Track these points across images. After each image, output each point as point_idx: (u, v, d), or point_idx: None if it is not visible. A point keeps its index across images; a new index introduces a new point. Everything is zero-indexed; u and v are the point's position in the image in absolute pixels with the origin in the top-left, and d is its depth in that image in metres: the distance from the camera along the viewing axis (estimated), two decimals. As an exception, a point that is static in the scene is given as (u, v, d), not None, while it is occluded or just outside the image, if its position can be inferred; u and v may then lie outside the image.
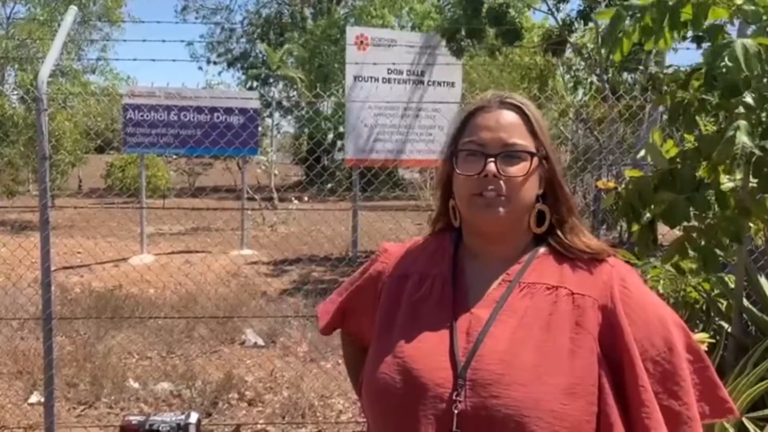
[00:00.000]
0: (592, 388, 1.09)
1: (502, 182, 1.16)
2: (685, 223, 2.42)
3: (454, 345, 1.13)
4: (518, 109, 1.21)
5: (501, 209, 1.16)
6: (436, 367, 1.12)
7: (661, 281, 3.13)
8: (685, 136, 2.49)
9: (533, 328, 1.12)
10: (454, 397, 1.08)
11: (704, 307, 3.19)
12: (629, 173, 2.56)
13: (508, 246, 1.22)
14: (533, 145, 1.20)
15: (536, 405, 1.05)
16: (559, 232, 1.22)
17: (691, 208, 2.33)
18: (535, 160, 1.19)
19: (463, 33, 9.26)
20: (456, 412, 1.07)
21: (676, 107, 2.46)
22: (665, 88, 2.53)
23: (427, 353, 1.14)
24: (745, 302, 2.87)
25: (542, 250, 1.23)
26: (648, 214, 2.38)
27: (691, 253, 2.46)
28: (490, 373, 1.08)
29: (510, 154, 1.17)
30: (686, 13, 2.22)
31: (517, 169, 1.17)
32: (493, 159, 1.16)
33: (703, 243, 2.42)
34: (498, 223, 1.18)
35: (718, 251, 2.41)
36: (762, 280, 3.02)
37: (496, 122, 1.19)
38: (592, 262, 1.20)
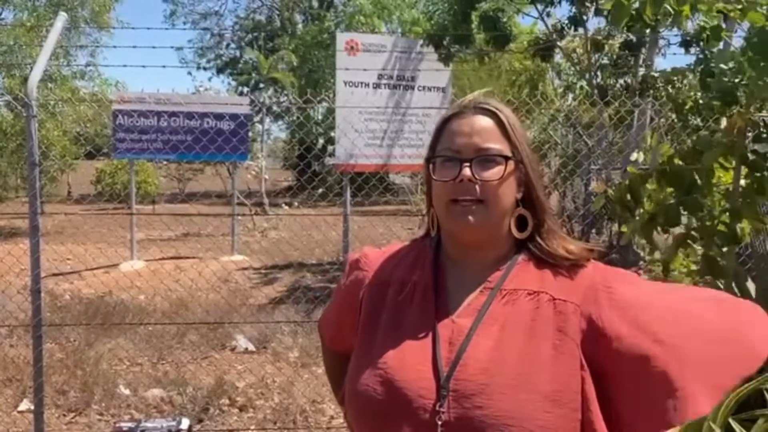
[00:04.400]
0: (575, 395, 1.07)
1: (477, 187, 1.15)
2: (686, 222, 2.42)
3: (437, 355, 1.11)
4: (493, 114, 1.20)
5: (477, 216, 1.15)
6: (418, 378, 1.10)
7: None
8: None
9: (515, 335, 1.11)
10: (437, 408, 1.07)
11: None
12: (629, 169, 2.54)
13: (488, 252, 1.21)
14: (508, 149, 1.19)
15: (520, 414, 1.04)
16: (538, 238, 1.21)
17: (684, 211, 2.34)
18: (511, 163, 1.18)
19: (449, 39, 9.31)
20: (440, 423, 1.06)
21: (679, 104, 2.46)
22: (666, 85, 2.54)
23: (410, 363, 1.12)
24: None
25: (522, 255, 1.21)
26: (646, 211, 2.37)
27: (690, 253, 2.46)
28: (474, 383, 1.07)
29: (484, 158, 1.16)
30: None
31: (492, 173, 1.16)
32: (468, 164, 1.16)
33: (702, 247, 2.42)
34: (475, 230, 1.17)
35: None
36: (749, 283, 3.04)
37: (471, 127, 1.19)
38: (573, 267, 1.19)
